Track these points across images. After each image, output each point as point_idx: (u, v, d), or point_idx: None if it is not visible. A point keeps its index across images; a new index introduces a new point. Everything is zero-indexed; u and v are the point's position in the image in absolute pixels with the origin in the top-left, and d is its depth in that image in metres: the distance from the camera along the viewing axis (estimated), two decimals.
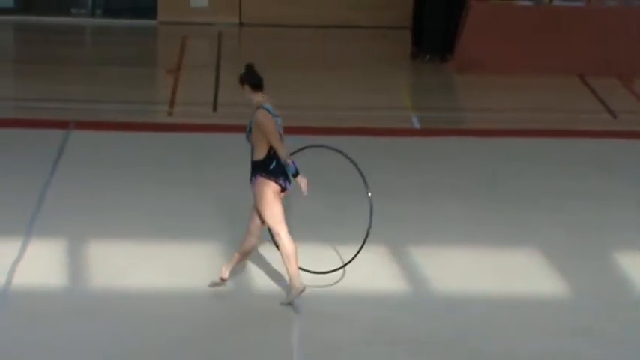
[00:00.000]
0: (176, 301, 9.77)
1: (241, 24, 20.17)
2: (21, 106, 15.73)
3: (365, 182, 9.90)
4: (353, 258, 10.01)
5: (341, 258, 10.34)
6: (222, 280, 9.88)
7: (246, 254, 9.94)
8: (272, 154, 9.63)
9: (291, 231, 9.63)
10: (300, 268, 9.66)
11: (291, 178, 9.66)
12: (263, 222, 9.71)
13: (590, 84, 16.83)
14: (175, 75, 16.99)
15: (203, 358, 8.93)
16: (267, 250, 10.42)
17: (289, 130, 14.06)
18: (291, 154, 9.73)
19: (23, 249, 10.55)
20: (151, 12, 20.27)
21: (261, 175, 9.64)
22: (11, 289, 9.84)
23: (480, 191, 12.54)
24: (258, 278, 10.22)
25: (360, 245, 9.94)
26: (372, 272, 10.41)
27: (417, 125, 15.04)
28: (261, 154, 9.66)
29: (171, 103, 15.68)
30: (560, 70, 16.99)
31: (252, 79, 9.77)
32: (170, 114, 15.32)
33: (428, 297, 10.11)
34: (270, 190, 9.62)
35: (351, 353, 9.04)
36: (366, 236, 9.89)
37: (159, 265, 10.38)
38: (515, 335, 9.43)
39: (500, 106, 15.93)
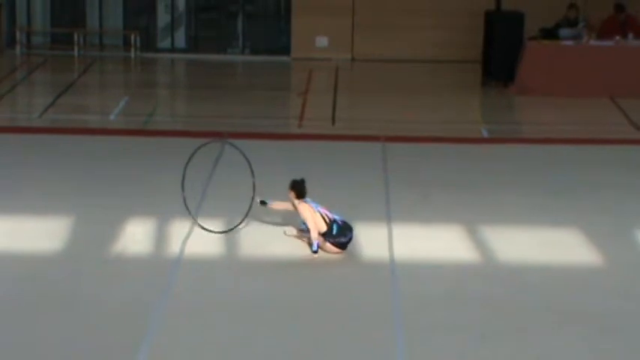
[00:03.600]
0: (295, 268, 9.70)
1: (353, 59, 20.19)
2: (190, 121, 15.90)
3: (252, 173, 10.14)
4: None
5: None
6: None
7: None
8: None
9: None
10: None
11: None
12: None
13: (618, 103, 16.57)
14: (304, 97, 17.03)
15: (315, 307, 8.85)
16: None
17: (392, 139, 14.18)
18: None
19: (192, 226, 10.58)
20: (286, 50, 20.39)
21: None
22: (184, 257, 9.88)
23: (534, 184, 12.37)
24: (361, 251, 10.15)
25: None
26: (452, 245, 10.27)
27: (486, 135, 14.91)
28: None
29: (301, 118, 15.70)
30: (595, 93, 16.84)
31: (300, 191, 10.03)
32: (300, 126, 15.34)
33: (494, 265, 9.92)
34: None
35: (436, 306, 8.91)
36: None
37: (291, 240, 10.29)
38: (565, 295, 9.21)
39: (550, 120, 15.73)
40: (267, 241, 10.28)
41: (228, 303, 8.86)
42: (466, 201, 11.60)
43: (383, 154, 13.57)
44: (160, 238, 10.37)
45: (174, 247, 10.06)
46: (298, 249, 10.06)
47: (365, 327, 8.46)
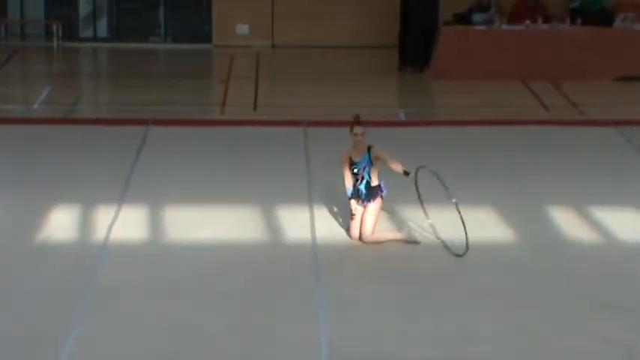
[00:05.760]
0: (220, 250, 9.64)
1: (274, 46, 20.13)
2: (113, 109, 15.73)
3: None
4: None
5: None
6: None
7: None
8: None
9: None
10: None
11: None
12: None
13: (529, 86, 16.73)
14: (225, 84, 16.94)
15: (241, 289, 8.79)
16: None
17: (313, 123, 14.17)
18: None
19: (117, 213, 10.47)
20: (207, 38, 20.25)
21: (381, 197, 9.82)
22: (109, 242, 9.77)
23: (449, 165, 12.37)
24: (284, 233, 10.11)
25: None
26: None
27: (402, 118, 14.96)
28: (376, 181, 9.86)
29: (223, 105, 15.61)
30: (507, 76, 16.95)
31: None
32: (222, 112, 15.25)
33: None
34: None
35: (358, 284, 8.93)
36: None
37: (216, 224, 10.24)
38: (482, 272, 9.29)
39: (464, 103, 15.83)
40: (192, 225, 10.20)
41: (154, 289, 8.76)
42: (385, 182, 11.60)
43: (305, 138, 13.55)
44: (85, 225, 10.23)
45: (99, 234, 9.93)
46: (223, 232, 9.99)
47: (289, 306, 8.45)
